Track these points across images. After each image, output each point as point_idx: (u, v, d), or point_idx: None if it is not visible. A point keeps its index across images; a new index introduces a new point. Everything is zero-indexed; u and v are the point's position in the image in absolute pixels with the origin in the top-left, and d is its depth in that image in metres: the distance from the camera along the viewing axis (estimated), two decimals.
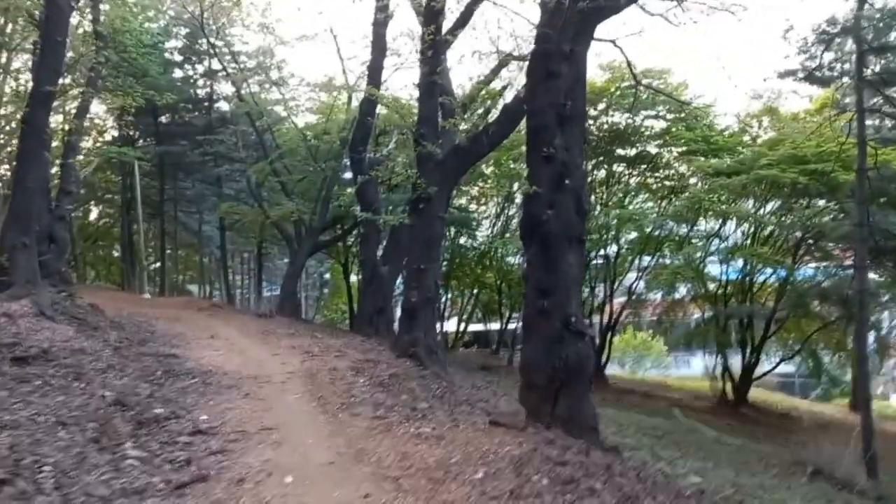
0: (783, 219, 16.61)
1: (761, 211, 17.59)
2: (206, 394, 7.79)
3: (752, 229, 18.42)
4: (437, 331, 12.11)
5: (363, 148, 15.42)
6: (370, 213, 13.96)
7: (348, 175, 23.21)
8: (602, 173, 22.77)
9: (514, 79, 10.92)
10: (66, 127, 14.60)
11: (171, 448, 5.75)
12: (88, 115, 27.77)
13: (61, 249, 13.10)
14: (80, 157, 29.78)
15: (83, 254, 35.24)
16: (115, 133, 28.96)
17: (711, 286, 19.23)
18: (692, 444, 12.04)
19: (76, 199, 17.84)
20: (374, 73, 15.38)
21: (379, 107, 18.15)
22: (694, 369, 36.99)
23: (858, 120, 12.00)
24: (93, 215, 36.77)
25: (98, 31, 20.86)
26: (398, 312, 22.11)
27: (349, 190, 21.78)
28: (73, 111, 15.89)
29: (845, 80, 13.83)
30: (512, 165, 22.64)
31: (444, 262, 24.26)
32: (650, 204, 22.09)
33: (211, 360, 9.91)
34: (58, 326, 9.12)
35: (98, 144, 28.27)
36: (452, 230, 21.92)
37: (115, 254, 35.60)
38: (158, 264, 32.04)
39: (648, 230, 19.77)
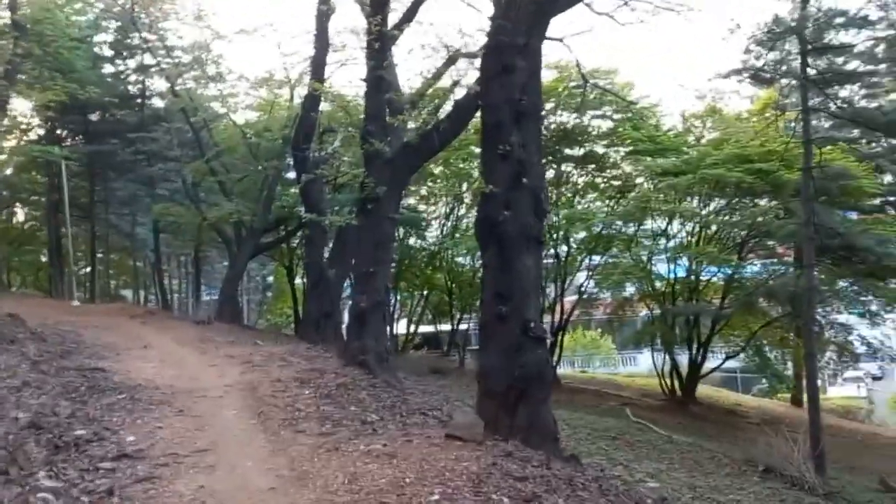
0: (728, 218, 16.74)
1: (706, 210, 17.70)
2: (134, 411, 7.14)
3: (698, 228, 18.55)
4: (388, 335, 11.60)
5: (307, 146, 14.76)
6: (315, 214, 13.34)
7: (291, 175, 22.47)
8: (550, 173, 22.62)
9: (465, 74, 10.47)
10: None
11: (92, 476, 5.14)
12: (11, 113, 26.37)
13: None
14: (2, 157, 28.31)
15: (7, 259, 33.37)
16: (42, 132, 27.37)
17: (659, 285, 19.28)
18: (645, 444, 11.90)
19: None
20: (318, 67, 14.78)
21: (323, 103, 17.57)
22: (641, 366, 37.46)
23: (804, 119, 12.10)
24: (19, 218, 34.92)
25: (16, 21, 19.65)
26: (346, 317, 21.65)
27: (293, 190, 21.13)
28: None
29: (789, 80, 13.94)
30: (461, 165, 22.34)
31: (393, 264, 23.80)
32: (598, 203, 22.08)
33: (141, 373, 9.21)
34: None
35: (22, 143, 26.67)
36: (401, 231, 21.45)
37: (44, 259, 33.78)
38: (89, 269, 30.47)
39: (598, 230, 19.70)
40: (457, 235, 23.33)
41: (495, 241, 6.61)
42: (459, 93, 10.43)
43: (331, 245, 17.28)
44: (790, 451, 11.44)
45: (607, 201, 21.72)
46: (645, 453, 10.98)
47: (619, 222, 20.26)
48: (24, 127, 27.31)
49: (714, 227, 18.65)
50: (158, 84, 26.02)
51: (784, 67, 13.53)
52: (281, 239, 23.09)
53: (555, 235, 20.01)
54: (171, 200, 25.17)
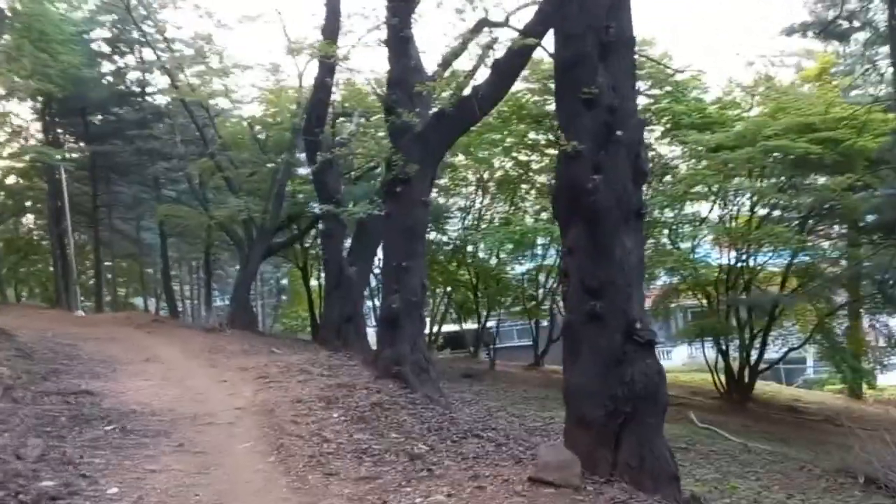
0: (791, 195, 15.07)
1: (765, 186, 15.97)
2: (122, 448, 5.68)
3: (749, 210, 16.88)
4: (426, 341, 10.05)
5: (320, 129, 13.28)
6: (332, 206, 11.84)
7: (303, 171, 21.13)
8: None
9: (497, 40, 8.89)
10: None
11: None
12: (9, 118, 25.16)
13: None
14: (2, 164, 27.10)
15: (13, 270, 32.21)
16: (41, 136, 26.13)
17: (706, 272, 17.66)
18: (722, 456, 10.32)
19: None
20: (329, 37, 13.18)
21: (335, 94, 16.17)
22: (675, 360, 35.69)
23: (894, 72, 10.49)
24: (24, 227, 33.80)
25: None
26: (370, 320, 20.20)
27: (305, 186, 19.75)
28: None
29: (869, 31, 12.26)
30: (483, 154, 20.81)
31: None
32: None
33: (138, 395, 7.78)
34: None
35: (19, 147, 25.46)
36: None
37: (51, 269, 32.62)
38: (95, 278, 29.20)
39: None
40: (481, 228, 21.80)
41: (582, 216, 5.06)
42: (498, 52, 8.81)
43: (350, 241, 15.78)
44: (892, 457, 9.82)
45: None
46: (727, 468, 9.42)
47: (657, 207, 18.68)
48: (21, 130, 26.10)
49: (766, 209, 16.95)
50: (159, 80, 24.72)
51: (862, 17, 11.88)
52: (294, 238, 21.65)
53: None
54: (177, 202, 23.88)
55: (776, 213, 16.52)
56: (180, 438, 6.04)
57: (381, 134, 18.35)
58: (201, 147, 20.76)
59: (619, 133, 5.00)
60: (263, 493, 4.54)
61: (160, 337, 14.89)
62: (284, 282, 36.81)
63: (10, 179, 27.99)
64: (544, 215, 21.91)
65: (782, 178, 15.28)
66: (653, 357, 4.95)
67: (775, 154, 13.98)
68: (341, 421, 6.38)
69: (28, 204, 30.13)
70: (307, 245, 23.56)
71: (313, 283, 24.95)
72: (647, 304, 21.98)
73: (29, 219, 32.85)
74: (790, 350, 18.45)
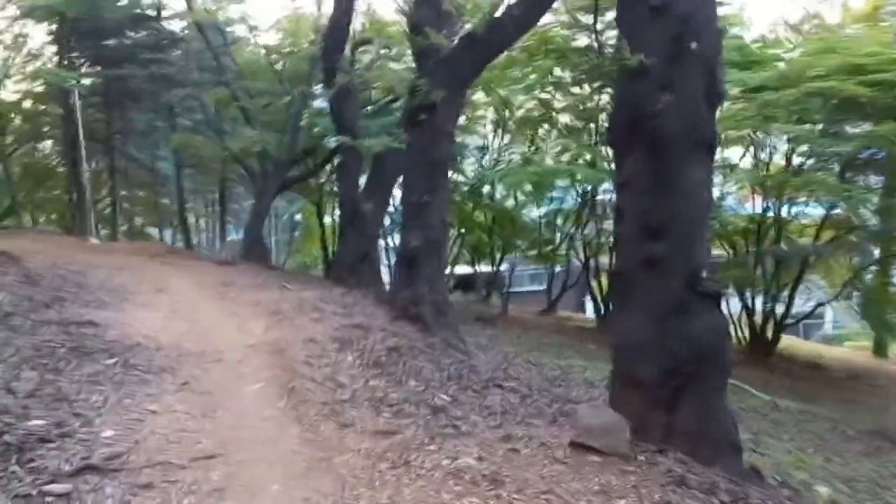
0: (831, 141, 14.20)
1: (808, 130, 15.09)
2: (123, 384, 5.32)
3: (787, 156, 16.05)
4: (445, 281, 9.52)
5: (338, 54, 12.54)
6: (349, 138, 11.23)
7: (320, 103, 20.47)
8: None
9: None
10: None
11: None
12: (21, 38, 24.50)
13: None
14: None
15: (28, 195, 32.02)
16: (56, 60, 25.48)
17: (736, 220, 16.99)
18: (751, 414, 9.91)
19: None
20: None
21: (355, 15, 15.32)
22: None
23: None
24: (41, 153, 33.46)
25: None
26: (384, 257, 19.83)
27: (322, 120, 19.11)
28: None
29: None
30: (503, 93, 19.95)
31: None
32: None
33: (145, 327, 7.41)
34: None
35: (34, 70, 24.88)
36: None
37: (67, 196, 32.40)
38: (111, 206, 28.95)
39: None
40: (499, 167, 21.11)
41: (645, 143, 4.42)
42: None
43: (367, 175, 15.21)
44: None
45: None
46: (757, 426, 9.01)
47: None
48: (37, 54, 25.49)
49: (801, 157, 16.12)
50: (176, 4, 23.90)
51: None
52: (309, 172, 21.10)
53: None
54: (193, 132, 23.32)
55: (810, 161, 15.75)
56: (186, 376, 5.68)
57: (399, 66, 17.69)
58: (217, 75, 20.09)
59: (692, 45, 4.32)
60: (272, 444, 4.15)
61: (172, 268, 14.56)
62: (298, 217, 36.48)
63: (27, 104, 27.57)
64: (565, 156, 21.22)
65: (823, 123, 14.41)
66: (718, 311, 4.42)
67: (821, 96, 13.11)
68: (356, 365, 5.98)
69: (45, 130, 29.77)
70: (322, 180, 23.07)
71: (327, 219, 24.57)
72: None
73: (46, 144, 32.53)
74: (819, 305, 17.90)
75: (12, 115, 27.06)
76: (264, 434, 4.36)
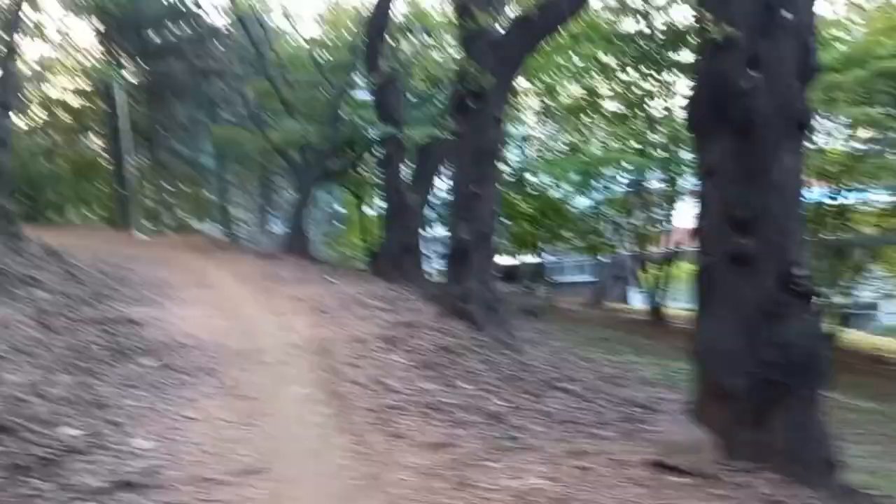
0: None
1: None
2: (160, 388, 5.05)
3: (848, 141, 15.15)
4: (496, 276, 9.04)
5: (381, 43, 12.16)
6: (392, 127, 10.85)
7: (361, 95, 20.22)
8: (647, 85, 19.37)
9: None
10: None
11: None
12: (64, 31, 24.76)
13: (3, 180, 10.17)
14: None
15: (75, 190, 32.58)
16: (100, 55, 25.76)
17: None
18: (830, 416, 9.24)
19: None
20: None
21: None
22: None
23: None
24: (87, 147, 34.04)
25: None
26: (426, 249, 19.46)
27: (363, 112, 18.84)
28: None
29: None
30: (547, 80, 19.38)
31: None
32: None
33: (185, 325, 7.16)
34: None
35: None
36: None
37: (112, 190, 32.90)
38: (155, 200, 29.24)
39: None
40: (545, 156, 20.59)
41: (732, 125, 3.91)
42: None
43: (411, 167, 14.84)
44: None
45: None
46: (839, 431, 8.35)
47: None
48: (82, 51, 25.78)
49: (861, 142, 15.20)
50: None
51: None
52: (349, 164, 20.84)
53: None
54: (233, 125, 23.31)
55: (874, 146, 14.83)
56: (226, 378, 5.39)
57: (439, 58, 17.29)
58: (258, 67, 19.98)
59: (785, 14, 3.80)
60: (317, 457, 3.80)
61: (215, 262, 14.46)
62: (339, 208, 36.41)
63: (73, 100, 27.97)
64: (613, 144, 20.58)
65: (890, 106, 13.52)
66: (813, 313, 3.91)
67: (890, 77, 12.28)
68: (405, 366, 5.62)
69: (91, 125, 30.21)
70: (363, 172, 22.84)
71: (368, 210, 24.34)
72: None
73: (92, 139, 33.06)
74: (888, 296, 16.95)
75: (60, 111, 27.45)
76: (309, 444, 4.02)
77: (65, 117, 28.07)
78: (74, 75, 25.30)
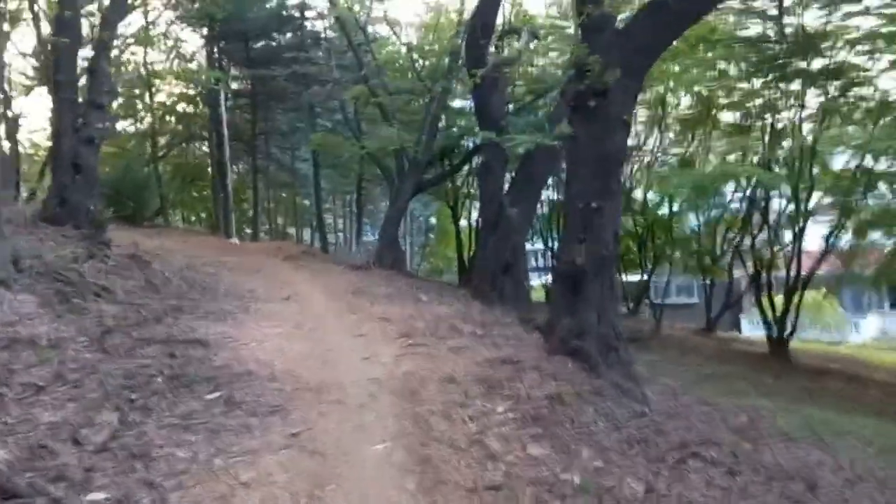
0: None
1: None
2: (219, 432, 4.24)
3: None
4: (618, 309, 7.75)
5: (486, 41, 11.22)
6: (494, 133, 9.87)
7: (459, 103, 19.49)
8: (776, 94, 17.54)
9: None
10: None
11: None
12: (171, 39, 25.38)
13: (89, 181, 9.91)
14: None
15: (179, 194, 33.55)
16: (204, 63, 26.33)
17: None
18: None
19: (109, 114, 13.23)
20: None
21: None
22: (863, 334, 30.94)
23: None
24: (193, 153, 35.06)
25: None
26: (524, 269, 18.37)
27: (461, 121, 18.12)
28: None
29: None
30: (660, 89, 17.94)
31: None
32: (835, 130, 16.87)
33: (260, 348, 6.41)
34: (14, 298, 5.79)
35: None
36: None
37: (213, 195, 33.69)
38: (253, 206, 29.60)
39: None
40: (659, 167, 19.12)
41: None
42: None
43: (511, 178, 13.85)
44: None
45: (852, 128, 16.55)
46: None
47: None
48: (190, 58, 26.42)
49: None
50: (319, 2, 23.85)
51: None
52: (446, 174, 20.09)
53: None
54: (331, 131, 23.12)
55: None
56: (296, 422, 4.53)
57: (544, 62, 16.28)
58: (357, 74, 19.63)
59: None
60: None
61: (306, 272, 13.95)
62: (433, 220, 35.85)
63: (181, 106, 28.76)
64: (731, 157, 18.89)
65: None
66: None
67: None
68: (509, 420, 4.57)
69: (197, 131, 31.03)
70: (458, 183, 22.07)
71: (463, 223, 23.53)
72: (869, 270, 18.57)
73: (197, 145, 34.02)
74: None
75: (168, 117, 28.22)
76: None
77: (171, 123, 28.84)
78: (182, 82, 25.87)
